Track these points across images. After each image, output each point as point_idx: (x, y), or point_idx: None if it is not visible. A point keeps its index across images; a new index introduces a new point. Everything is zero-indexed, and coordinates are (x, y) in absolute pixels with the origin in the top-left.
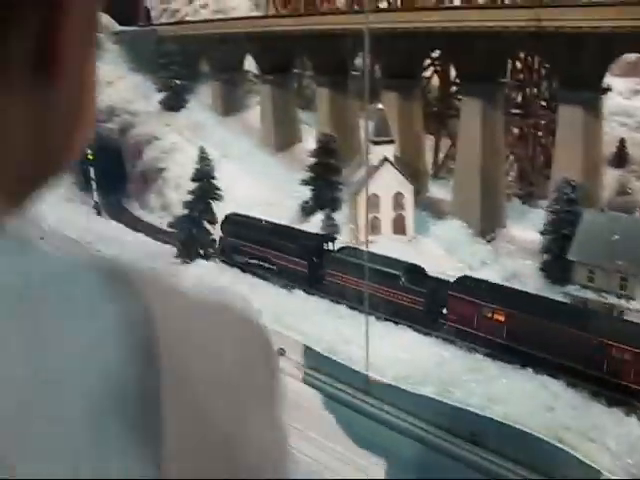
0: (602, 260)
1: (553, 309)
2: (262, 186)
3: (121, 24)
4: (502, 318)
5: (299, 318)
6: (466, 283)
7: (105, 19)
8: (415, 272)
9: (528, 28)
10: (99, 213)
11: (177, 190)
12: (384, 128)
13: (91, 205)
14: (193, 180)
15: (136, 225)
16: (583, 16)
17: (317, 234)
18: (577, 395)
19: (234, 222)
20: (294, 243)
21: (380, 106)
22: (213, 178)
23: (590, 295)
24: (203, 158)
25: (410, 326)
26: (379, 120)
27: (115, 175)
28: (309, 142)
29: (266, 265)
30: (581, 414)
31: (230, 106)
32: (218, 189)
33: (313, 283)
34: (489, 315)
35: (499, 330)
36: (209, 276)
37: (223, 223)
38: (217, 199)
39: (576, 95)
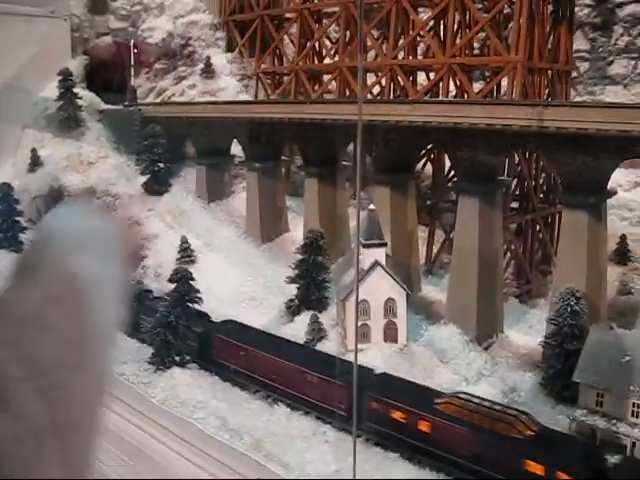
0: (612, 383)
1: (279, 347)
2: (247, 280)
3: (106, 102)
4: (243, 353)
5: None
6: (227, 326)
7: (90, 97)
8: (197, 317)
9: (530, 127)
10: None
11: (157, 279)
12: (375, 230)
13: None
14: (171, 281)
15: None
16: (587, 117)
17: None
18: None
19: None
20: None
21: (372, 207)
22: (192, 279)
23: (600, 422)
24: (184, 249)
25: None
26: (370, 221)
27: None
28: (297, 232)
29: None
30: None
31: (215, 192)
32: (198, 291)
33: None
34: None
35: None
36: (183, 388)
37: None
38: (196, 303)
39: (580, 199)
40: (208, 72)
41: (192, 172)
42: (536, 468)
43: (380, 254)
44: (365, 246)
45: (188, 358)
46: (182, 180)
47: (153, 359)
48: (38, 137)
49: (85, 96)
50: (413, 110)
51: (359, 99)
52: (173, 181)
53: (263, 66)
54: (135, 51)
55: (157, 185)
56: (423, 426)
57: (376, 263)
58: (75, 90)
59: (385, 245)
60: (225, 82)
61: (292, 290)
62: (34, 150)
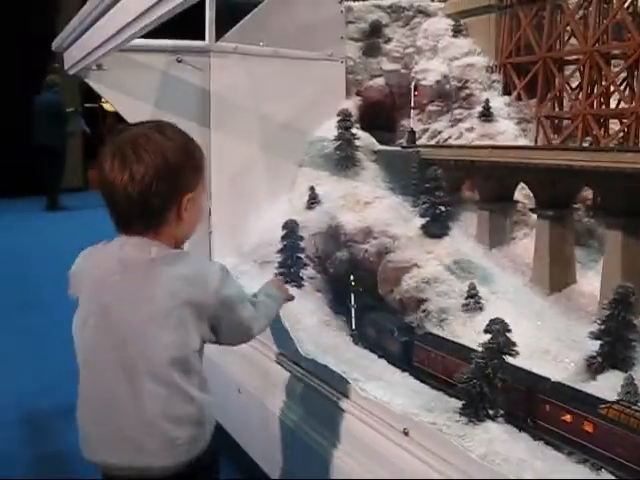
0: None
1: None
2: (537, 331)
3: (382, 143)
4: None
5: None
6: (427, 338)
7: (365, 137)
8: (404, 329)
9: None
10: (355, 342)
11: (440, 325)
12: None
13: (346, 332)
14: (485, 331)
15: (400, 363)
16: None
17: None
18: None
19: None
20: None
21: None
22: (509, 331)
23: None
24: (473, 295)
25: None
26: None
27: (369, 301)
28: (583, 284)
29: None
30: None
31: (496, 238)
32: (514, 344)
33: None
34: (433, 356)
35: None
36: (500, 444)
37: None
38: (511, 355)
39: None
40: (487, 115)
41: (470, 216)
42: None
43: None
44: None
45: (502, 412)
46: (461, 224)
47: (465, 410)
48: (314, 175)
49: (361, 136)
50: None
51: None
52: (452, 224)
53: (544, 110)
54: (416, 93)
55: (437, 228)
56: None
57: None
58: (353, 130)
59: None
60: (504, 125)
61: (590, 346)
62: (312, 188)
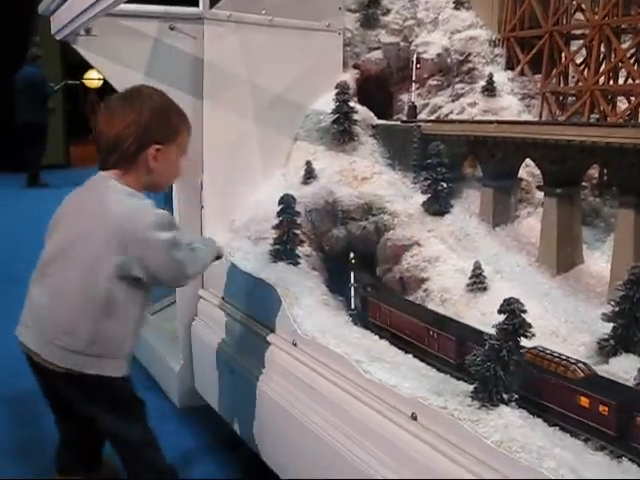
0: None
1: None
2: (545, 313)
3: (379, 117)
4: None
5: None
6: (381, 294)
7: (363, 111)
8: (371, 286)
9: None
10: (355, 323)
11: (443, 304)
12: None
13: (345, 311)
14: (500, 312)
15: (401, 344)
16: None
17: None
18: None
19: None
20: None
21: None
22: (524, 312)
23: None
24: (477, 275)
25: None
26: None
27: (366, 278)
28: (590, 264)
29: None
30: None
31: (500, 216)
32: (530, 326)
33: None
34: (383, 310)
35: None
36: (516, 430)
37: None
38: (527, 337)
39: None
40: (490, 90)
41: (473, 193)
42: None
43: None
44: None
45: (516, 397)
46: (463, 201)
47: (477, 394)
48: (310, 150)
49: (359, 110)
50: None
51: None
52: (454, 202)
53: (549, 85)
54: (418, 66)
55: (438, 205)
56: None
57: None
58: (351, 104)
59: None
60: (507, 101)
61: (601, 328)
62: (309, 162)
